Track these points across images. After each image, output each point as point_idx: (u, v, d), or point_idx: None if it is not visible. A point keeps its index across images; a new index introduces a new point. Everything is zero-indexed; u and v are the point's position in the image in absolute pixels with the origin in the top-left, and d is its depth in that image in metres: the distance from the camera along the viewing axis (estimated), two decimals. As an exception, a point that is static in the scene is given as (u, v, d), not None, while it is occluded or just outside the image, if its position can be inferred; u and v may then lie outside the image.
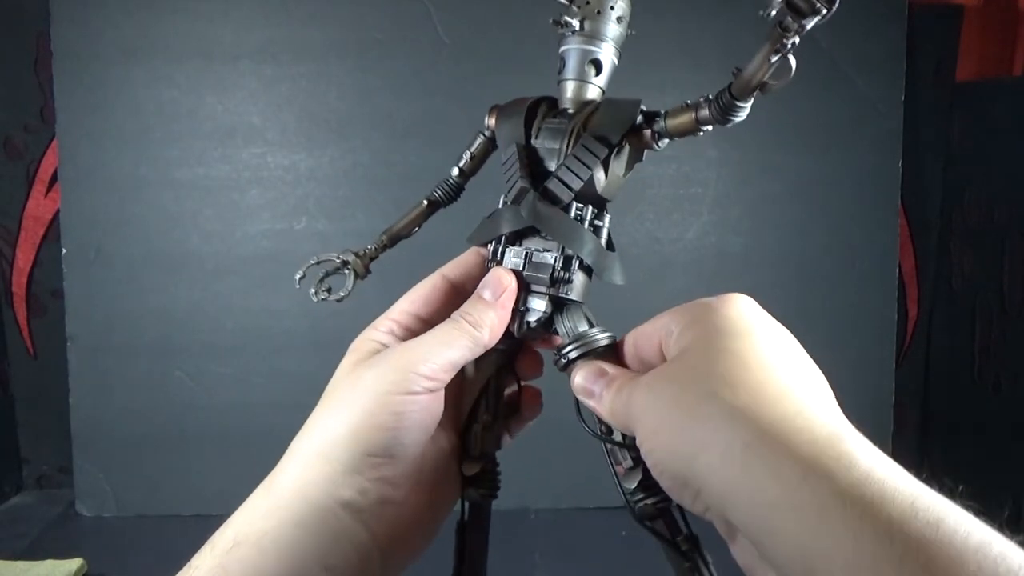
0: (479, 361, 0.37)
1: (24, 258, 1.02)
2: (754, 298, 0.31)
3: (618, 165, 0.36)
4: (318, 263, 0.40)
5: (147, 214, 0.96)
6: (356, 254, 0.40)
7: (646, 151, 0.36)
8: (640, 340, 0.34)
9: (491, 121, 0.39)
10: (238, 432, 0.98)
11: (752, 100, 0.31)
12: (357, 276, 0.40)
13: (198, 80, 0.95)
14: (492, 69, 0.96)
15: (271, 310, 0.98)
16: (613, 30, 0.36)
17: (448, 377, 0.34)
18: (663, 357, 0.32)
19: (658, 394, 0.29)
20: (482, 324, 0.35)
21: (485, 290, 0.36)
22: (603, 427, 0.35)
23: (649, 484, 0.33)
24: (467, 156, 0.41)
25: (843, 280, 1.02)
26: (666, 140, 0.35)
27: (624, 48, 0.37)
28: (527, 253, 0.36)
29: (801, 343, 0.30)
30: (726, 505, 0.26)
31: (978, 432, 1.00)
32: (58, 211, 0.99)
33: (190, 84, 0.95)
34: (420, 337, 0.35)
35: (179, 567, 0.31)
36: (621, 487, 0.34)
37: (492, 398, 0.38)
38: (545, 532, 0.96)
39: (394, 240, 0.41)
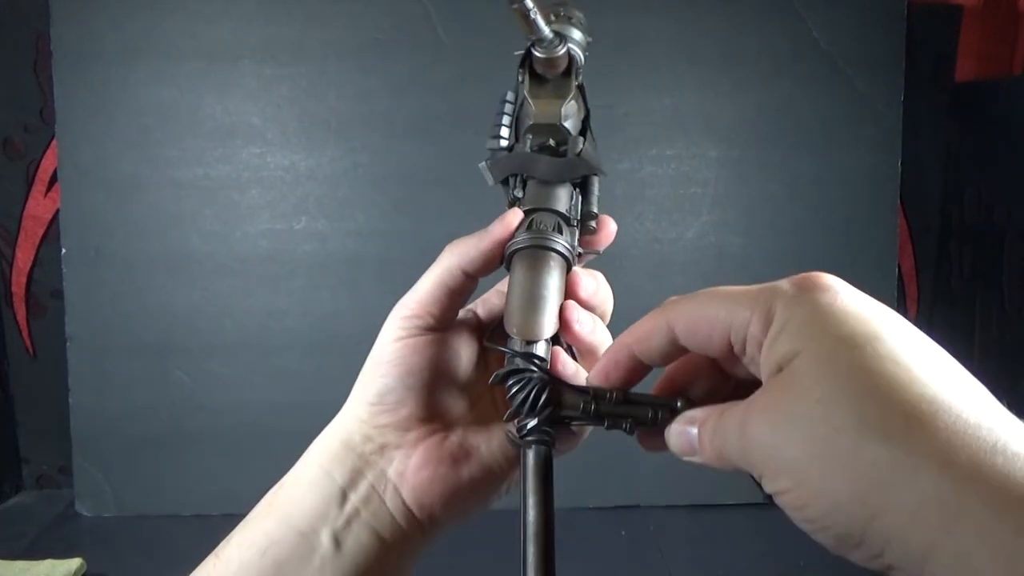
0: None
1: (24, 258, 1.02)
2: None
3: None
4: None
5: (147, 214, 0.96)
6: None
7: None
8: (693, 322, 0.29)
9: None
10: (238, 432, 0.98)
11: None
12: None
13: (198, 80, 0.95)
14: (492, 69, 0.96)
15: (271, 310, 0.98)
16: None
17: (433, 309, 0.33)
18: (729, 349, 0.27)
19: (788, 434, 0.23)
20: (466, 250, 0.33)
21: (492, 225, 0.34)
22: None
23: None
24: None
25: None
26: None
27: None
28: None
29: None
30: (924, 569, 0.21)
31: (978, 432, 1.00)
32: (58, 211, 0.99)
33: (190, 84, 0.95)
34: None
35: (178, 567, 0.31)
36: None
37: None
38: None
39: None
